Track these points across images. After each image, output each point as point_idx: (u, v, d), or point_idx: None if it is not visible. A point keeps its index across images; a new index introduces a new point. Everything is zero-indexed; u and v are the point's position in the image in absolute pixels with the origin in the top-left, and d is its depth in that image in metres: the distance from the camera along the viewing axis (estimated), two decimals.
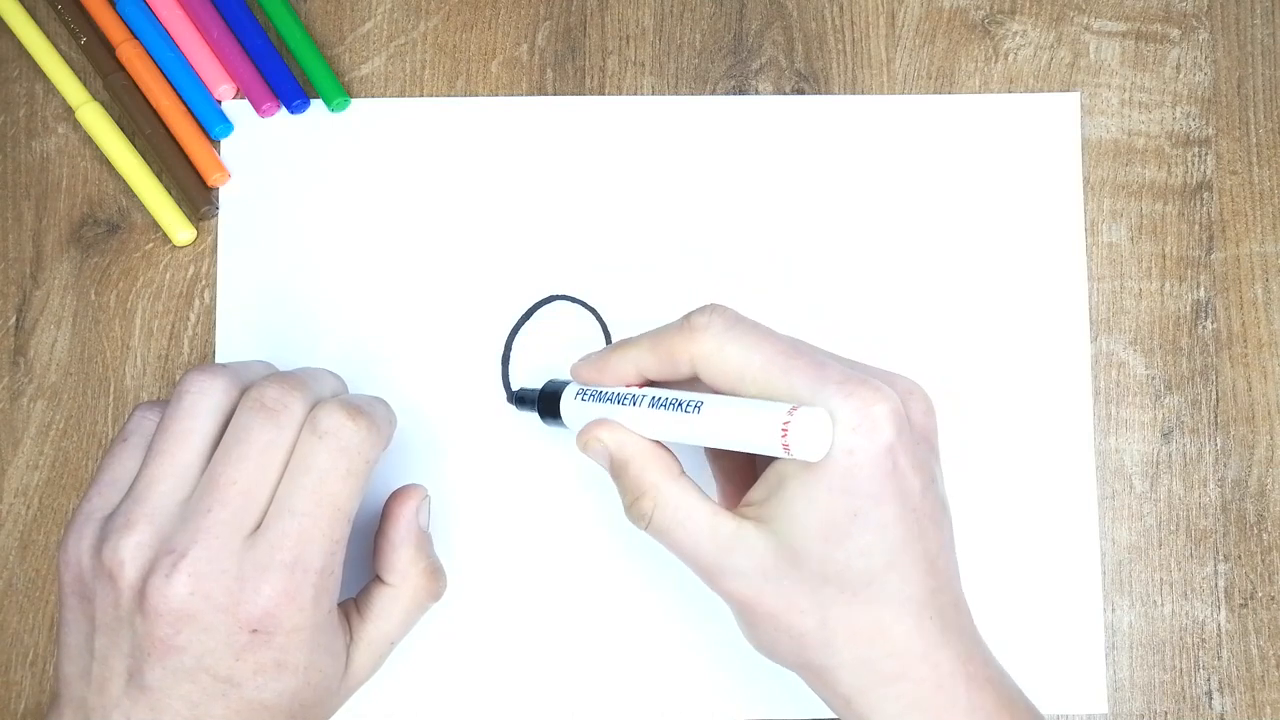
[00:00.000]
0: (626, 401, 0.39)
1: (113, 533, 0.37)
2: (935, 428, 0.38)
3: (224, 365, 0.40)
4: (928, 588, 0.36)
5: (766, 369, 0.36)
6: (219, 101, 0.49)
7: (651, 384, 0.40)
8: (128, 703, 0.36)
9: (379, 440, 0.39)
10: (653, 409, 0.38)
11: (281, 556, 0.36)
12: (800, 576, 0.36)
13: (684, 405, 0.37)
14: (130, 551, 0.36)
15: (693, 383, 0.38)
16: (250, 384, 0.39)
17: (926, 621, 0.36)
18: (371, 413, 0.39)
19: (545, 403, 0.43)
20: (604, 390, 0.40)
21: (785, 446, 0.34)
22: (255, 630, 0.36)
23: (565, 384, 0.42)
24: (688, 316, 0.38)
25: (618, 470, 0.39)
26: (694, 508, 0.37)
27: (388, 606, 0.41)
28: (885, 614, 0.36)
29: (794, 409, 0.34)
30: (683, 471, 0.38)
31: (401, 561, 0.41)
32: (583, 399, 0.41)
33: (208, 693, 0.36)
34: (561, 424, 0.42)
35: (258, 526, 0.37)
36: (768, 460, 0.38)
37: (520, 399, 0.45)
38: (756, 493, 0.37)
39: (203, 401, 0.38)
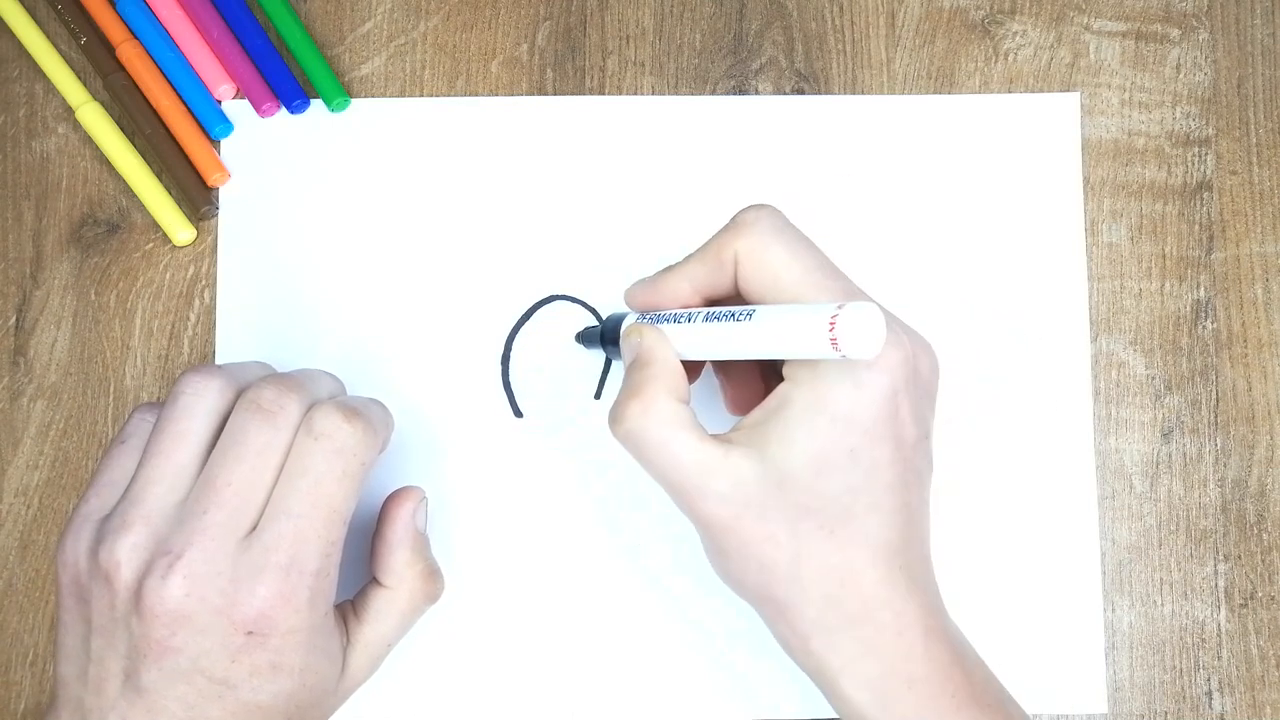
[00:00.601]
0: (682, 320, 0.38)
1: (109, 534, 0.37)
2: (937, 387, 0.39)
3: (220, 366, 0.40)
4: (903, 538, 0.37)
5: (804, 279, 0.36)
6: (219, 101, 0.49)
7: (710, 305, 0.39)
8: (124, 704, 0.36)
9: (375, 442, 0.39)
10: (706, 323, 0.37)
11: (277, 558, 0.36)
12: (782, 506, 0.36)
13: (736, 315, 0.36)
14: (126, 553, 0.36)
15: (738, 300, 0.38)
16: (247, 385, 0.39)
17: (896, 570, 0.36)
18: (368, 414, 0.39)
19: (609, 332, 0.42)
20: (662, 313, 0.40)
21: (834, 342, 0.32)
22: (250, 632, 0.36)
23: (625, 315, 0.43)
24: (736, 214, 0.38)
25: (633, 368, 0.38)
26: (681, 428, 0.37)
27: (384, 609, 0.41)
28: (858, 556, 0.36)
29: (841, 305, 0.33)
30: (688, 401, 0.38)
31: (398, 563, 0.41)
32: (642, 322, 0.40)
33: (203, 694, 0.36)
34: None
35: (253, 528, 0.37)
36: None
37: (586, 336, 0.45)
38: (752, 417, 0.37)
39: (198, 403, 0.38)
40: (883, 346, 0.34)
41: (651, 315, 0.40)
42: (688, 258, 0.39)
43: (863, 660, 0.36)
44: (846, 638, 0.36)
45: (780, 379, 0.37)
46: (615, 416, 0.38)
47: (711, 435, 0.37)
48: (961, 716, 0.37)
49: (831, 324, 0.32)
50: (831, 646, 0.37)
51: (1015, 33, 0.50)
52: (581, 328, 0.46)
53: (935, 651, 0.37)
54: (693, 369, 0.41)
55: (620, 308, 0.48)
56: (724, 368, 0.43)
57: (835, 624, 0.36)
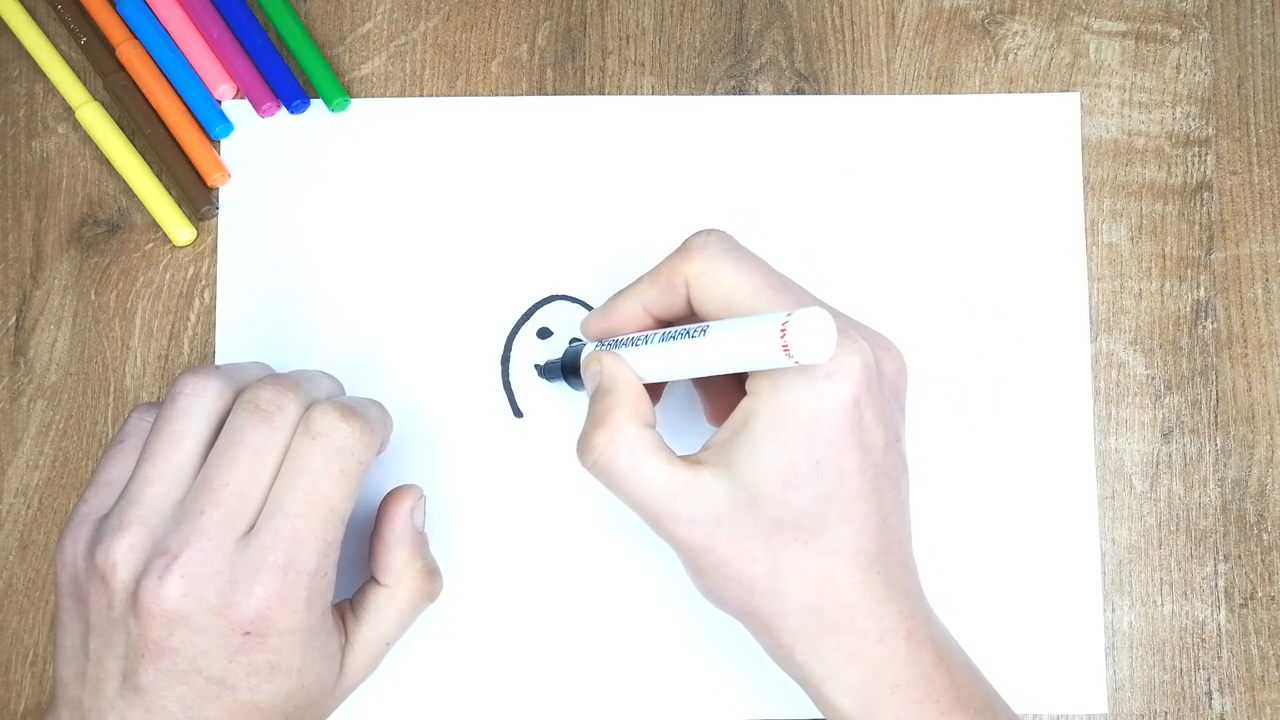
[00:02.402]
0: (639, 343, 0.39)
1: (106, 534, 0.37)
2: (905, 387, 0.39)
3: (219, 367, 0.40)
4: (878, 543, 0.37)
5: (754, 297, 0.36)
6: (219, 101, 0.49)
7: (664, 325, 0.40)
8: (122, 704, 0.36)
9: (373, 442, 0.39)
10: (663, 343, 0.37)
11: (274, 558, 0.36)
12: (754, 522, 0.36)
13: (690, 332, 0.36)
14: (123, 553, 0.36)
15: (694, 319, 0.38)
16: (245, 385, 0.39)
17: (874, 576, 0.37)
18: (366, 414, 0.39)
19: (570, 364, 0.43)
20: (619, 339, 0.40)
21: (786, 349, 0.32)
22: (248, 632, 0.36)
23: (584, 345, 0.43)
24: (686, 240, 0.38)
25: (596, 397, 0.39)
26: (649, 454, 0.37)
27: (383, 608, 0.41)
28: (835, 565, 0.36)
29: (791, 312, 0.33)
30: (653, 425, 0.38)
31: (396, 563, 0.41)
32: (600, 349, 0.41)
33: (201, 694, 0.36)
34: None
35: (251, 528, 0.37)
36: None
37: (547, 370, 0.45)
38: (719, 435, 0.37)
39: (196, 403, 0.38)
40: (835, 350, 0.34)
41: (610, 342, 0.40)
42: (638, 280, 0.39)
43: (845, 667, 0.37)
44: (828, 646, 0.37)
45: None
46: (583, 448, 0.38)
47: (680, 457, 0.37)
48: None
49: (783, 331, 0.33)
50: (814, 655, 0.37)
51: (1015, 33, 0.50)
52: (542, 361, 0.47)
53: (918, 656, 0.37)
54: (654, 391, 0.41)
55: None
56: (701, 381, 0.43)
57: (817, 633, 0.37)
